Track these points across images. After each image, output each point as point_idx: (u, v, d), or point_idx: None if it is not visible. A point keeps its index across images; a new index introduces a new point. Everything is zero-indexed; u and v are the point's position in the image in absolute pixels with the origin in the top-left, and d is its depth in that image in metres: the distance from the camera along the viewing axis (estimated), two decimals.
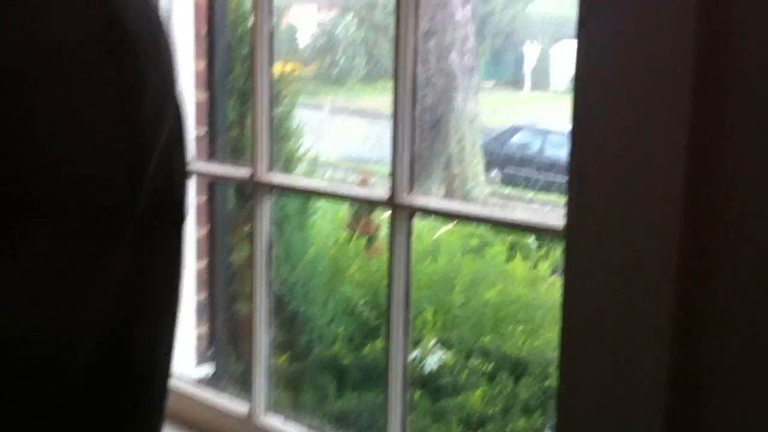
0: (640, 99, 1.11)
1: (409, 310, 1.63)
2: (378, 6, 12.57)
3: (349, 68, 13.19)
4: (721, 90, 1.07)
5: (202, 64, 2.31)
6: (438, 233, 6.96)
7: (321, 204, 5.12)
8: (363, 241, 5.39)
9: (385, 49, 12.94)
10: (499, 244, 6.10)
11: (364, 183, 5.54)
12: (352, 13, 14.14)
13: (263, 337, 1.90)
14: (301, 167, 5.56)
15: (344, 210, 6.06)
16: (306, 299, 4.43)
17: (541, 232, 1.44)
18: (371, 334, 4.66)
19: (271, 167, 1.87)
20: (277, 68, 11.53)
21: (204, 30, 2.31)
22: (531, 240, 6.36)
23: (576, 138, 1.19)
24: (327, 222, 6.00)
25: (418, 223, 7.68)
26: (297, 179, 1.90)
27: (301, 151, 4.95)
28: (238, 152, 3.99)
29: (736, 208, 1.08)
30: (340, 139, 11.45)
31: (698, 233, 1.10)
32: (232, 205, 3.53)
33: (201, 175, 2.09)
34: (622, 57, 1.11)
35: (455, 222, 7.15)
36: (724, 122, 1.07)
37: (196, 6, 2.24)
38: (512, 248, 5.96)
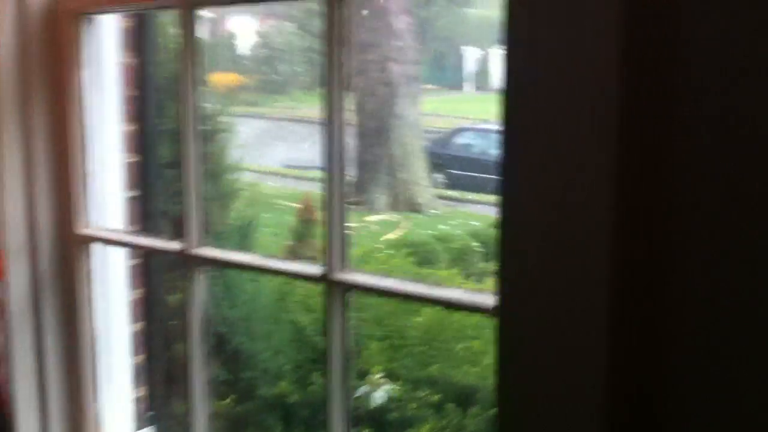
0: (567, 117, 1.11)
1: (349, 359, 1.63)
2: (317, 14, 12.51)
3: (291, 77, 13.17)
4: (649, 89, 1.08)
5: (132, 127, 2.28)
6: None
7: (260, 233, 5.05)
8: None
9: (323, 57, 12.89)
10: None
11: (307, 211, 5.53)
12: (291, 23, 14.05)
13: (200, 396, 1.89)
14: (244, 177, 5.47)
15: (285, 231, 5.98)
16: (249, 333, 4.34)
17: (473, 310, 1.45)
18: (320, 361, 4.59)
19: (202, 241, 1.86)
20: (218, 78, 11.47)
21: (133, 92, 2.29)
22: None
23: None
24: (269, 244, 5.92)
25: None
26: (230, 254, 1.89)
27: (242, 164, 4.88)
28: (168, 216, 3.95)
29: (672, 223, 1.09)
30: (282, 147, 11.42)
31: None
32: (166, 269, 3.48)
33: (135, 247, 2.08)
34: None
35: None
36: (653, 127, 1.08)
37: (125, 67, 2.21)
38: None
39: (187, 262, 1.88)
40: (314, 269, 1.67)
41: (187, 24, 1.79)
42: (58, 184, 2.08)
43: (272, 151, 11.18)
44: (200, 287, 1.91)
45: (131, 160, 2.29)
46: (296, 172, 10.42)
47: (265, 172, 10.34)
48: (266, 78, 12.81)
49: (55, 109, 2.06)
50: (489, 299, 1.36)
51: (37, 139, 2.05)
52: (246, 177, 5.80)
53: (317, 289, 5.08)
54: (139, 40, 2.29)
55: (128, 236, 2.07)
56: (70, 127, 2.04)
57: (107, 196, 2.14)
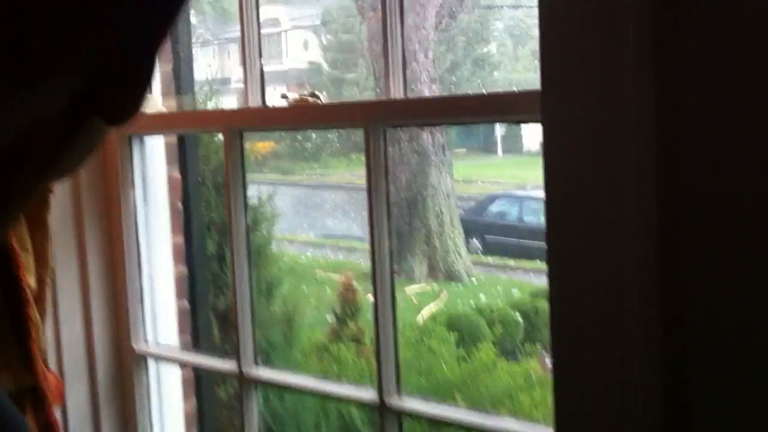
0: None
1: None
2: (353, 82, 12.68)
3: (323, 143, 13.30)
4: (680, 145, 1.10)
5: (179, 238, 2.32)
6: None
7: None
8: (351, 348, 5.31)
9: None
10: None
11: (348, 290, 5.55)
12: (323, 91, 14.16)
13: None
14: (280, 249, 5.47)
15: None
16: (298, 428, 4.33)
17: None
18: None
19: (256, 361, 1.88)
20: (252, 147, 11.59)
21: (179, 204, 2.33)
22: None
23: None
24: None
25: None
26: (285, 375, 1.90)
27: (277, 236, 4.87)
28: (227, 322, 3.98)
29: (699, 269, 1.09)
30: (318, 215, 11.49)
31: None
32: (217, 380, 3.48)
33: (187, 366, 2.10)
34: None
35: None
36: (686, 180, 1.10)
37: (170, 179, 2.26)
38: None
39: (242, 382, 1.90)
40: (368, 394, 1.67)
41: (233, 146, 1.83)
42: (112, 302, 2.12)
43: (307, 220, 11.25)
44: (254, 405, 1.93)
45: (180, 272, 2.32)
46: (332, 241, 10.46)
47: (301, 242, 10.39)
48: (298, 145, 12.95)
49: (107, 227, 2.10)
50: None
51: (90, 258, 2.10)
52: (286, 253, 5.84)
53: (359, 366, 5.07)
54: (183, 154, 2.34)
55: (183, 354, 2.10)
56: (123, 244, 2.08)
57: (160, 310, 2.17)
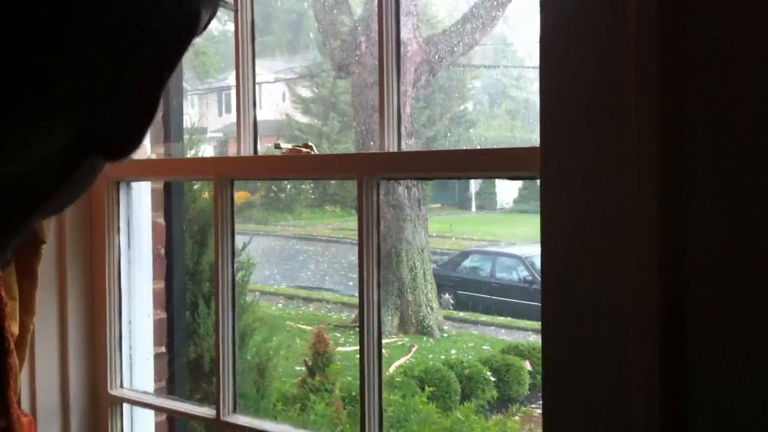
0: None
1: None
2: (323, 134, 12.77)
3: (297, 194, 13.33)
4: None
5: (160, 284, 2.31)
6: None
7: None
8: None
9: None
10: None
11: (320, 343, 5.54)
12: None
13: None
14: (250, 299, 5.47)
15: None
16: None
17: None
18: None
19: (235, 408, 1.87)
20: None
21: (162, 250, 2.33)
22: None
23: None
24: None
25: None
26: (263, 424, 1.89)
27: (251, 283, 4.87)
28: (200, 370, 3.97)
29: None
30: (291, 266, 11.46)
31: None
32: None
33: (160, 410, 2.08)
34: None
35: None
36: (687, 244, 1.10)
37: (154, 225, 2.26)
38: None
39: (219, 429, 1.88)
40: None
41: (222, 193, 1.84)
42: (90, 345, 2.10)
43: (280, 270, 11.22)
44: None
45: (159, 317, 2.31)
46: (304, 293, 10.43)
47: (273, 294, 10.35)
48: (272, 195, 12.97)
49: (90, 270, 2.09)
50: None
51: (71, 300, 2.08)
52: (257, 304, 5.83)
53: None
54: (168, 200, 2.35)
55: (160, 399, 2.08)
56: (105, 288, 2.07)
57: (138, 356, 2.15)
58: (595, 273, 1.17)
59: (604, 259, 1.15)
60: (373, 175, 1.54)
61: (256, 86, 1.87)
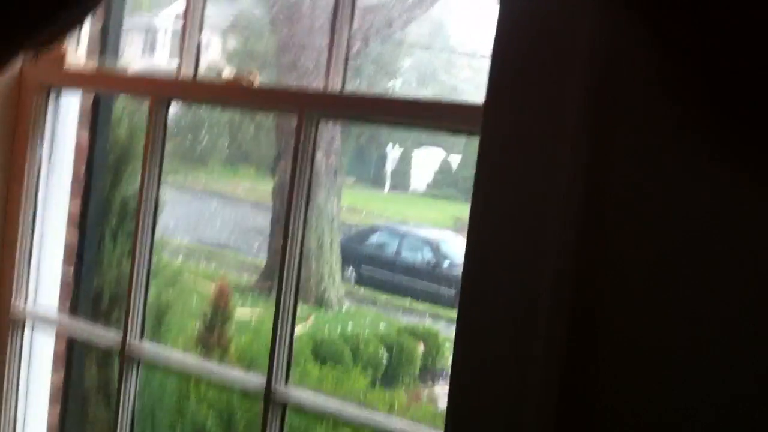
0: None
1: None
2: None
3: (212, 149, 13.11)
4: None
5: (76, 204, 2.26)
6: None
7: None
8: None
9: (248, 133, 12.95)
10: None
11: (222, 298, 5.49)
12: None
13: None
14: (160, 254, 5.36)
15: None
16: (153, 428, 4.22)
17: None
18: None
19: (142, 335, 1.84)
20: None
21: (82, 170, 2.27)
22: None
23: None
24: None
25: None
26: (172, 352, 1.87)
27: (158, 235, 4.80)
28: (99, 303, 3.88)
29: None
30: (198, 221, 11.30)
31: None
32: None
33: (64, 332, 2.03)
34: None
35: None
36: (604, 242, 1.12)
37: (78, 144, 2.21)
38: None
39: (124, 354, 1.86)
40: (256, 381, 1.66)
41: (159, 115, 1.81)
42: None
43: (185, 224, 11.05)
44: (134, 381, 1.88)
45: (71, 239, 2.26)
46: (207, 249, 10.30)
47: (176, 247, 10.19)
48: (187, 145, 12.74)
49: (7, 179, 2.04)
50: None
51: None
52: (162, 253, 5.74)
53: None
54: (95, 118, 2.29)
55: (65, 320, 2.04)
56: (20, 199, 2.02)
57: (46, 273, 2.10)
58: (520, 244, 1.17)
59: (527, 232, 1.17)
60: (315, 112, 1.54)
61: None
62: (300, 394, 1.62)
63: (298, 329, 7.60)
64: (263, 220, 10.34)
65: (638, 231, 1.10)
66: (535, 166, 1.17)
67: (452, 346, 1.23)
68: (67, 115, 2.09)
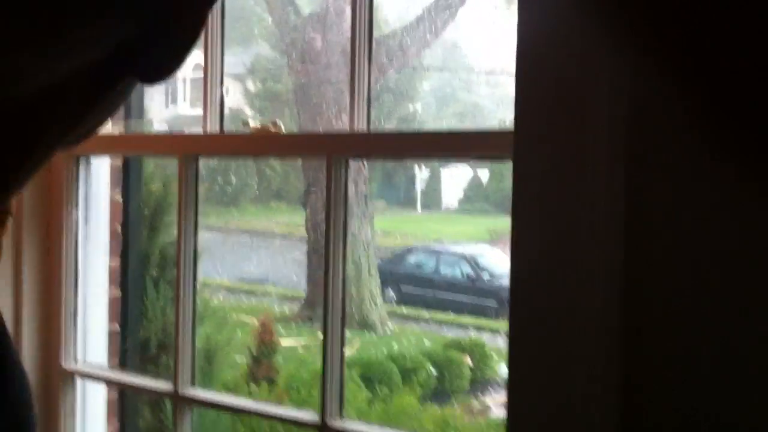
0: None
1: None
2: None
3: (243, 188, 13.26)
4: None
5: (116, 262, 2.32)
6: None
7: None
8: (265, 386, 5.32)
9: (276, 170, 13.07)
10: None
11: (266, 332, 5.56)
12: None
13: None
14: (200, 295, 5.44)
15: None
16: None
17: None
18: None
19: (193, 381, 1.89)
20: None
21: (118, 227, 2.33)
22: None
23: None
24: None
25: None
26: (222, 396, 1.91)
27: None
28: (147, 352, 3.96)
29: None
30: (235, 260, 11.40)
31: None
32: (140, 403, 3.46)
33: (116, 384, 2.09)
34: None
35: None
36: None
37: (111, 203, 2.26)
38: None
39: (177, 402, 1.90)
40: (309, 416, 1.70)
41: (188, 172, 1.86)
42: (45, 320, 2.10)
43: (222, 264, 11.16)
44: (189, 426, 1.93)
45: (114, 294, 2.32)
46: (247, 286, 10.39)
47: (217, 287, 10.29)
48: (217, 189, 12.88)
49: (46, 245, 2.10)
50: None
51: (26, 275, 2.08)
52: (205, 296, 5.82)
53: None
54: (126, 177, 2.35)
55: (115, 373, 2.09)
56: (61, 263, 2.07)
57: (92, 332, 2.16)
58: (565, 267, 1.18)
59: (573, 249, 1.17)
60: (343, 154, 1.57)
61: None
62: (355, 425, 1.65)
63: (346, 354, 7.63)
64: (300, 253, 10.44)
65: (678, 246, 1.12)
66: (571, 188, 1.18)
67: (506, 360, 1.25)
68: (98, 178, 2.15)
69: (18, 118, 0.49)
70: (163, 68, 0.53)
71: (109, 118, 0.56)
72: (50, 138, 0.54)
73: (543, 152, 1.20)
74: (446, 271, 9.52)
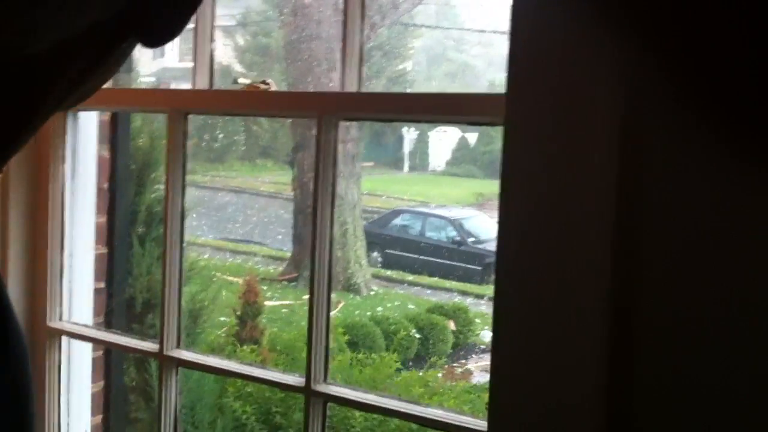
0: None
1: None
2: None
3: (229, 145, 13.19)
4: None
5: (102, 219, 2.29)
6: None
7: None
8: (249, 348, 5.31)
9: (264, 127, 12.99)
10: None
11: (251, 293, 5.54)
12: None
13: None
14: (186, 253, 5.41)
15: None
16: (193, 423, 4.29)
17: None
18: None
19: (179, 343, 1.87)
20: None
21: (106, 184, 2.30)
22: None
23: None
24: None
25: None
26: (208, 359, 1.90)
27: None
28: (132, 309, 3.94)
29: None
30: (221, 218, 11.37)
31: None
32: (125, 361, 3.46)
33: (109, 344, 2.08)
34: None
35: None
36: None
37: (99, 160, 2.23)
38: None
39: (163, 363, 1.88)
40: (294, 380, 1.69)
41: (177, 128, 1.82)
42: (30, 277, 2.08)
43: (207, 222, 11.13)
44: (174, 387, 1.91)
45: (100, 251, 2.29)
46: (232, 245, 10.38)
47: (199, 245, 10.27)
48: (204, 144, 12.82)
49: (33, 200, 2.06)
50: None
51: (12, 231, 2.05)
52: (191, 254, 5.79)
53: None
54: (114, 133, 2.32)
55: (101, 332, 2.07)
56: (47, 219, 2.04)
57: (78, 289, 2.13)
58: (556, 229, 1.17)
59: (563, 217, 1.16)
60: (334, 114, 1.55)
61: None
62: (339, 390, 1.65)
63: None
64: (285, 212, 10.41)
65: (672, 220, 1.10)
66: (563, 153, 1.16)
67: (490, 326, 1.23)
68: (86, 133, 2.12)
69: (28, 76, 0.49)
70: (165, 31, 0.52)
71: (106, 81, 0.55)
72: (54, 98, 0.53)
73: (536, 116, 1.17)
74: (432, 234, 9.53)
